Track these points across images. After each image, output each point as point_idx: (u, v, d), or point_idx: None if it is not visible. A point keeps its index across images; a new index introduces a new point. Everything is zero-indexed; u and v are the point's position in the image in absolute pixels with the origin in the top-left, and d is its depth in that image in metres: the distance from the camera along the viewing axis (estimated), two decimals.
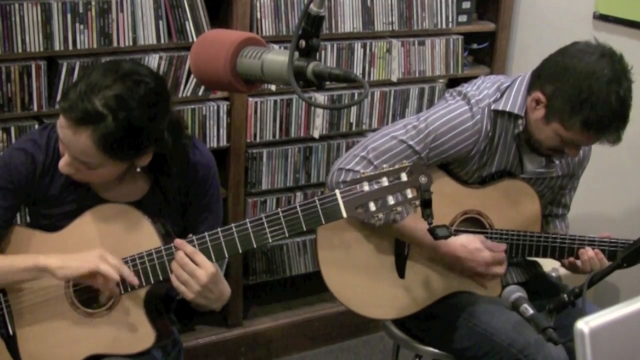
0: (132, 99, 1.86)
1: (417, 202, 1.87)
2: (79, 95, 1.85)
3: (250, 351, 3.33)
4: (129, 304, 2.01)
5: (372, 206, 1.85)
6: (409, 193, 1.86)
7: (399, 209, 1.86)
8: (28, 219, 2.26)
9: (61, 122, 1.90)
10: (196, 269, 1.91)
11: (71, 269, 1.93)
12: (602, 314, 1.26)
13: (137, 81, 1.88)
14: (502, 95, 2.31)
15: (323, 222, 1.89)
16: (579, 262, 2.33)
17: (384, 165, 1.91)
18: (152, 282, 1.98)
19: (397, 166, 1.87)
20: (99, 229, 2.02)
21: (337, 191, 1.87)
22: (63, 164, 1.96)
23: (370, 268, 2.39)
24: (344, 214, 1.86)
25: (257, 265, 3.27)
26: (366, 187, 1.85)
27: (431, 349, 2.45)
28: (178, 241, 1.94)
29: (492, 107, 2.30)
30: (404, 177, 1.86)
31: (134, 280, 1.95)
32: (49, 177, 2.05)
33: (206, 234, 1.94)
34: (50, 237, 2.06)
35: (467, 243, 2.30)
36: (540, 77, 2.26)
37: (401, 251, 2.39)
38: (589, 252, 2.31)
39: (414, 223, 2.30)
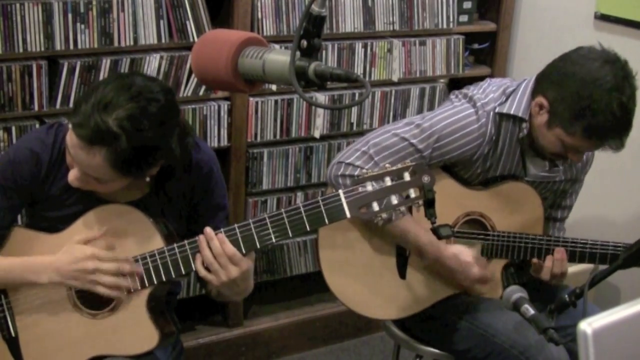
0: (145, 119, 1.85)
1: (420, 202, 1.87)
2: (91, 112, 1.83)
3: (251, 351, 3.33)
4: (132, 305, 2.01)
5: (376, 206, 1.84)
6: (412, 193, 1.86)
7: (402, 208, 1.86)
8: (26, 219, 2.25)
9: (73, 140, 1.88)
10: (229, 263, 1.91)
11: (73, 285, 1.98)
12: (605, 315, 1.26)
13: (149, 99, 1.87)
14: (507, 99, 2.30)
15: (327, 222, 1.88)
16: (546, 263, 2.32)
17: (387, 165, 1.90)
18: (156, 283, 1.98)
19: (399, 165, 1.87)
20: (100, 230, 2.02)
21: (340, 191, 1.86)
22: (73, 178, 1.95)
23: (372, 268, 2.39)
24: (348, 214, 1.86)
25: (257, 265, 3.27)
26: (369, 187, 1.85)
27: (432, 349, 2.45)
28: (208, 231, 1.93)
29: (497, 110, 2.29)
30: (406, 176, 1.85)
31: (139, 271, 1.96)
32: (52, 178, 2.05)
33: (175, 245, 1.95)
34: (51, 238, 2.05)
35: (459, 253, 2.29)
36: (543, 82, 2.25)
37: (402, 251, 2.39)
38: (559, 253, 2.31)
39: (407, 225, 2.29)
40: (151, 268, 1.97)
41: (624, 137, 2.18)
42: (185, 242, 1.96)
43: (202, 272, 1.93)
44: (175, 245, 1.96)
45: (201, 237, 1.93)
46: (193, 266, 1.96)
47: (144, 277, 1.97)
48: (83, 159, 1.88)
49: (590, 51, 2.20)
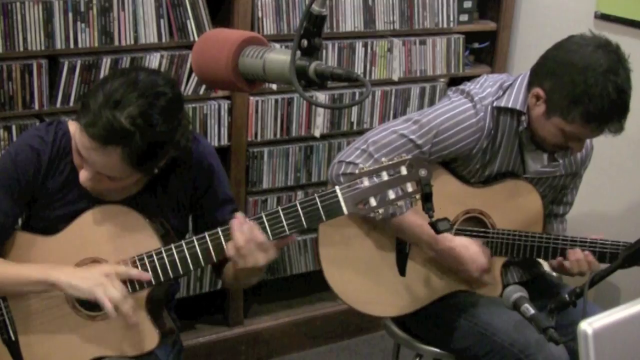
0: (155, 113, 1.85)
1: (418, 196, 1.86)
2: (102, 110, 1.82)
3: (251, 350, 3.33)
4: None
5: (373, 201, 1.83)
6: (409, 187, 1.84)
7: (400, 203, 1.85)
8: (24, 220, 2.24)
9: (84, 141, 1.87)
10: (258, 250, 1.89)
11: (80, 291, 1.92)
12: (605, 315, 1.26)
13: (157, 93, 1.87)
14: (504, 93, 2.31)
15: (324, 219, 1.87)
16: (567, 263, 2.33)
17: (383, 160, 1.89)
18: (154, 282, 1.97)
19: (396, 160, 1.86)
20: (97, 231, 2.02)
21: (337, 187, 1.86)
22: (85, 179, 1.94)
23: (372, 265, 2.39)
24: (345, 211, 1.85)
25: None
26: (366, 182, 1.83)
27: (432, 348, 2.45)
28: (240, 216, 1.92)
29: (494, 104, 2.30)
30: (403, 170, 1.84)
31: (147, 277, 1.94)
32: (50, 176, 2.05)
33: (206, 233, 1.94)
34: (49, 240, 2.04)
35: (469, 244, 2.30)
36: (538, 73, 2.26)
37: (402, 249, 2.39)
38: (577, 254, 2.31)
39: (413, 219, 2.29)
40: (149, 269, 1.96)
41: (623, 120, 2.19)
42: (183, 242, 1.95)
43: (231, 252, 1.90)
44: (172, 245, 1.95)
45: (234, 221, 1.91)
46: (190, 267, 1.95)
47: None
48: (97, 159, 1.87)
49: (582, 38, 2.22)
